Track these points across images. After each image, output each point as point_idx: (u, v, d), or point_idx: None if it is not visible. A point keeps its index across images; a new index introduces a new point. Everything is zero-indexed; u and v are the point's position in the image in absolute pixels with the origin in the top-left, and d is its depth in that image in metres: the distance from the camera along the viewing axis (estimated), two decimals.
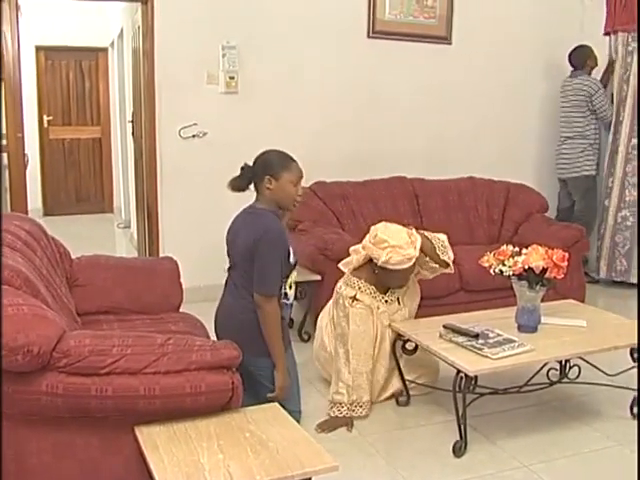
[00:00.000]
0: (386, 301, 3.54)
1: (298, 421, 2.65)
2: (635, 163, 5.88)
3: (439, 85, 5.87)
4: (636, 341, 3.35)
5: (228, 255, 3.28)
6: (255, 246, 3.03)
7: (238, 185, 3.17)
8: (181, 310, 3.62)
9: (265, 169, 3.12)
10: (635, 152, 5.88)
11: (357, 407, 3.41)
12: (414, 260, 3.38)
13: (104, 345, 2.25)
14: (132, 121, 6.55)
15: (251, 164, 3.19)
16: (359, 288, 3.49)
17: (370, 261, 3.49)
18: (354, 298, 3.46)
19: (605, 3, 6.10)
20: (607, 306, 5.33)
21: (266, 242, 3.03)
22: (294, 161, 3.18)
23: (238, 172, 3.20)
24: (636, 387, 3.43)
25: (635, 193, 5.90)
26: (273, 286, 3.08)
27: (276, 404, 2.58)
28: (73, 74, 9.27)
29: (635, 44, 5.84)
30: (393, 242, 3.34)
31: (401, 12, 5.66)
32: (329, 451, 2.24)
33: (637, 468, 2.96)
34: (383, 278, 3.47)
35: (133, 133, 6.49)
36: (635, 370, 3.41)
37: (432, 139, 5.87)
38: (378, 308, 3.50)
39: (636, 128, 5.86)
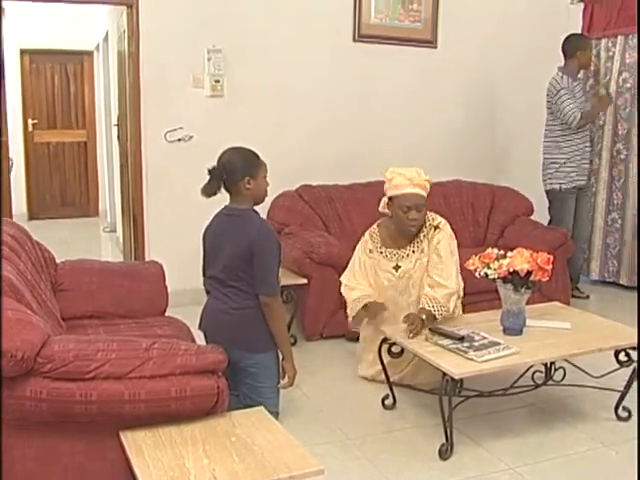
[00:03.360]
0: (402, 257, 3.74)
1: None
2: (621, 167, 5.92)
3: (425, 88, 5.89)
4: (619, 343, 3.38)
5: (209, 259, 3.28)
6: (252, 248, 3.07)
7: (213, 191, 3.15)
8: (167, 314, 3.62)
9: (242, 170, 3.13)
10: (621, 156, 5.92)
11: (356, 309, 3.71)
12: (418, 191, 3.61)
13: (88, 350, 2.24)
14: (117, 124, 6.53)
15: (214, 166, 3.17)
16: (372, 237, 3.83)
17: (391, 217, 3.76)
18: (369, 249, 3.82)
19: (582, 10, 6.16)
20: (600, 306, 5.44)
21: (264, 243, 3.11)
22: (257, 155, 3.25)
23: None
24: (621, 389, 3.45)
25: (622, 195, 5.95)
26: (276, 284, 3.20)
27: (261, 408, 2.58)
28: (58, 77, 9.24)
29: (615, 49, 5.89)
30: (399, 171, 3.66)
31: (387, 16, 5.67)
32: (315, 454, 2.24)
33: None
34: (396, 219, 3.69)
35: (119, 136, 6.47)
36: (619, 372, 3.44)
37: (418, 142, 5.89)
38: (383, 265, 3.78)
39: (620, 133, 5.90)
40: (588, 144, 5.64)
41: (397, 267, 3.75)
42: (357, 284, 3.77)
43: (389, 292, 3.77)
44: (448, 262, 3.64)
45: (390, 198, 3.70)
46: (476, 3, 5.96)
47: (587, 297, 5.74)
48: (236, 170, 3.13)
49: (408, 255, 3.73)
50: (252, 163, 3.17)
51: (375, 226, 3.87)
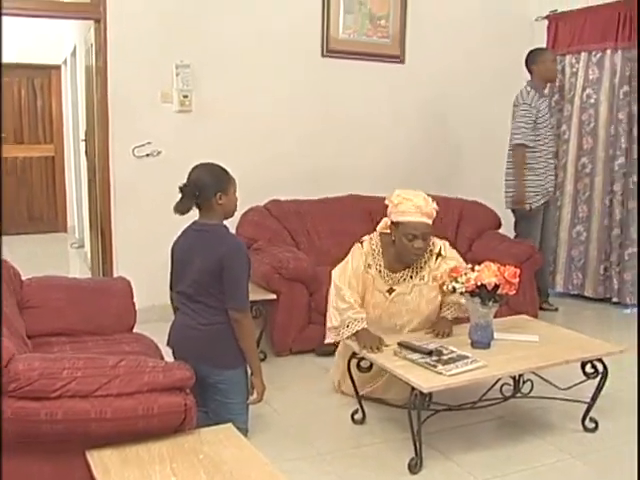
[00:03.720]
0: (397, 280, 3.62)
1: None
2: (586, 181, 6.01)
3: (393, 103, 5.93)
4: (586, 355, 3.43)
5: (178, 274, 3.27)
6: (221, 264, 3.08)
7: (186, 208, 3.15)
8: (135, 330, 3.60)
9: (214, 186, 3.15)
10: (586, 170, 6.01)
11: (343, 328, 3.51)
12: (425, 219, 3.49)
13: (54, 368, 2.21)
14: (85, 139, 6.49)
15: (185, 184, 3.18)
16: (373, 251, 3.65)
17: (393, 241, 3.59)
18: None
19: (547, 26, 6.26)
20: (565, 318, 5.50)
21: (234, 257, 3.12)
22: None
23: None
24: (588, 400, 3.50)
25: (587, 209, 6.04)
26: (246, 299, 3.19)
27: (230, 425, 2.56)
28: (25, 92, 9.14)
29: (579, 65, 5.99)
30: (407, 196, 3.52)
31: (355, 31, 5.72)
32: (284, 471, 2.23)
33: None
34: (399, 245, 3.53)
35: (86, 151, 6.43)
36: (586, 383, 3.48)
37: (386, 157, 5.93)
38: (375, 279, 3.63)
39: (585, 147, 6.00)
40: (552, 160, 5.65)
41: (391, 290, 3.64)
42: (350, 295, 3.54)
43: (376, 311, 3.66)
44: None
45: (394, 223, 3.57)
46: (443, 19, 6.03)
47: (556, 310, 5.76)
48: (208, 186, 3.14)
49: (405, 280, 3.63)
50: (223, 178, 3.20)
51: (377, 239, 3.69)
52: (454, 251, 3.76)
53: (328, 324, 3.62)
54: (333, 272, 3.70)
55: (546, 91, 5.80)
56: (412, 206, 3.48)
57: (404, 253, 3.55)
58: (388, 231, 3.65)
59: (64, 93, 9.01)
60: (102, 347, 3.22)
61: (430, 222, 3.52)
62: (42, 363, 2.22)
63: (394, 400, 3.55)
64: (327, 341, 3.68)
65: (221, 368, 3.16)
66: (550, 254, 5.98)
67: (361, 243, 3.70)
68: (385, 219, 3.70)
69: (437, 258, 3.65)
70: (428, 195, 3.78)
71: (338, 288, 3.59)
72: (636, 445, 3.24)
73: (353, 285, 3.59)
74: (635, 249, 5.73)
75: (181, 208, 3.14)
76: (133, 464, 2.20)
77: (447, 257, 3.66)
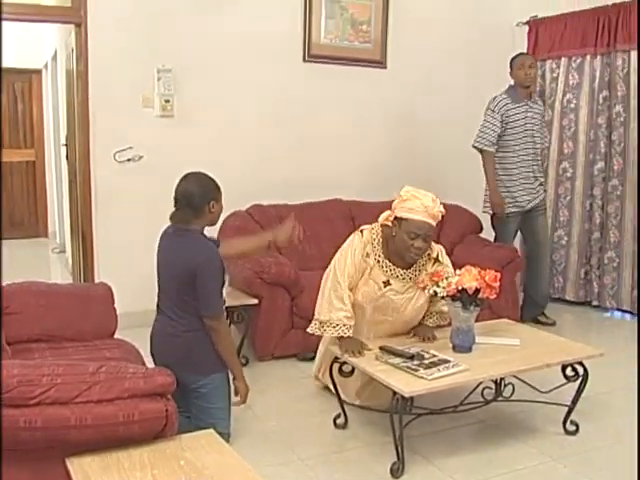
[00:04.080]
0: (396, 275, 3.57)
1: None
2: (567, 185, 6.06)
3: (374, 108, 5.95)
4: (566, 358, 3.46)
5: (159, 275, 3.27)
6: (196, 270, 3.08)
7: (185, 219, 3.18)
8: (116, 336, 3.57)
9: (208, 194, 3.19)
10: (567, 174, 6.06)
11: (329, 327, 3.46)
12: (430, 221, 3.42)
13: (33, 375, 2.19)
14: (66, 144, 6.45)
15: (179, 193, 3.21)
16: (373, 240, 3.58)
17: (393, 236, 3.52)
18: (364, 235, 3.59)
19: (527, 32, 6.31)
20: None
21: (208, 266, 3.12)
22: None
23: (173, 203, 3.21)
24: (568, 403, 3.52)
25: (567, 213, 6.09)
26: (220, 306, 3.21)
27: (211, 430, 2.55)
28: (5, 96, 9.07)
29: (559, 70, 6.05)
30: (416, 194, 3.45)
31: (336, 36, 5.73)
32: (266, 476, 2.23)
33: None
34: (399, 241, 3.46)
35: (67, 156, 6.39)
36: (567, 386, 3.51)
37: (368, 162, 5.94)
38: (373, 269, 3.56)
39: (565, 151, 6.06)
40: (528, 171, 5.39)
41: (387, 283, 3.55)
42: (347, 297, 3.47)
43: (364, 300, 3.56)
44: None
45: (397, 218, 3.48)
46: (424, 24, 6.05)
47: (553, 324, 5.46)
48: (203, 194, 3.18)
49: (403, 278, 3.57)
50: (214, 187, 3.25)
51: (378, 229, 3.62)
52: (448, 258, 3.73)
53: (316, 314, 3.54)
54: (334, 259, 3.62)
55: (534, 97, 5.54)
56: (420, 205, 3.40)
57: (403, 251, 3.47)
58: (389, 224, 3.57)
59: (45, 97, 8.96)
60: (82, 353, 3.20)
61: (434, 224, 3.45)
62: (21, 370, 2.19)
63: (377, 405, 3.56)
64: (309, 330, 3.60)
65: (201, 374, 3.16)
66: (544, 266, 5.67)
67: (361, 232, 3.61)
68: (388, 212, 3.62)
69: (434, 263, 3.62)
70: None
71: (337, 283, 3.50)
72: (621, 446, 3.27)
73: (351, 273, 3.52)
74: (613, 253, 5.79)
75: (179, 219, 3.20)
76: (114, 471, 2.18)
77: (444, 264, 3.63)
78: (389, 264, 3.56)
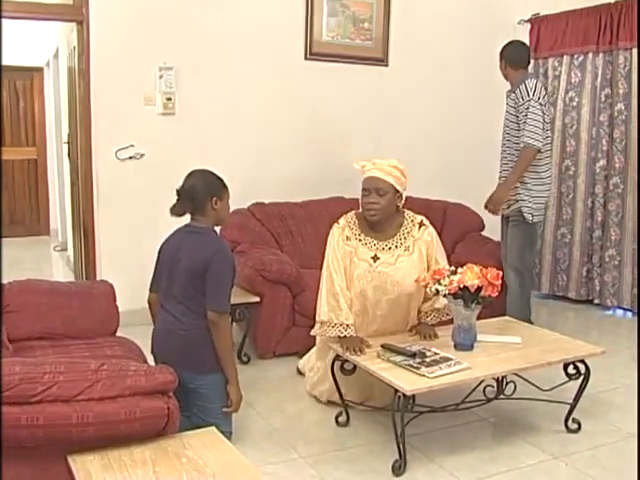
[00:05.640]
0: (382, 248, 3.58)
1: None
2: (570, 183, 6.06)
3: (376, 106, 5.94)
4: (568, 356, 3.45)
5: (164, 275, 3.26)
6: (206, 265, 3.09)
7: (183, 211, 3.21)
8: (118, 334, 3.57)
9: (210, 191, 3.20)
10: (570, 172, 6.06)
11: (329, 327, 3.48)
12: (380, 174, 3.50)
13: (35, 372, 2.20)
14: (68, 142, 6.45)
15: (183, 187, 3.22)
16: (349, 223, 3.63)
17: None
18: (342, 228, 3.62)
19: (529, 30, 6.30)
20: (549, 320, 5.51)
21: (219, 261, 3.12)
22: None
23: (175, 197, 3.21)
24: (570, 401, 3.52)
25: (570, 211, 6.09)
26: (227, 303, 3.18)
27: (213, 428, 2.55)
28: (7, 94, 9.07)
29: (561, 68, 6.05)
30: (375, 160, 3.57)
31: (338, 34, 5.72)
32: (267, 474, 2.24)
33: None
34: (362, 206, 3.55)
35: (69, 154, 6.39)
36: (569, 384, 3.52)
37: (369, 159, 5.91)
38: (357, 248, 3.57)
39: (568, 149, 6.06)
40: (505, 169, 4.95)
41: (376, 257, 3.55)
42: (344, 301, 3.49)
43: (361, 283, 3.54)
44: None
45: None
46: (425, 22, 6.05)
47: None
48: (205, 189, 3.19)
49: (390, 248, 3.57)
50: (219, 184, 3.25)
51: (352, 214, 3.67)
52: (440, 243, 3.72)
53: (317, 316, 3.56)
54: (325, 259, 3.63)
55: (518, 89, 4.79)
56: (371, 164, 3.56)
57: (364, 213, 3.57)
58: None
59: (46, 95, 8.97)
60: (84, 351, 3.20)
61: (388, 179, 3.50)
62: (23, 367, 2.20)
63: (379, 403, 3.56)
64: (313, 333, 3.63)
65: (202, 373, 3.15)
66: (529, 279, 5.11)
67: (337, 222, 3.67)
68: None
69: (420, 227, 3.64)
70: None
71: (332, 282, 3.52)
72: (632, 445, 3.27)
73: (343, 266, 3.55)
74: (614, 251, 5.79)
75: (177, 210, 3.19)
76: (115, 468, 2.18)
77: (428, 228, 3.65)
78: (371, 240, 3.60)
